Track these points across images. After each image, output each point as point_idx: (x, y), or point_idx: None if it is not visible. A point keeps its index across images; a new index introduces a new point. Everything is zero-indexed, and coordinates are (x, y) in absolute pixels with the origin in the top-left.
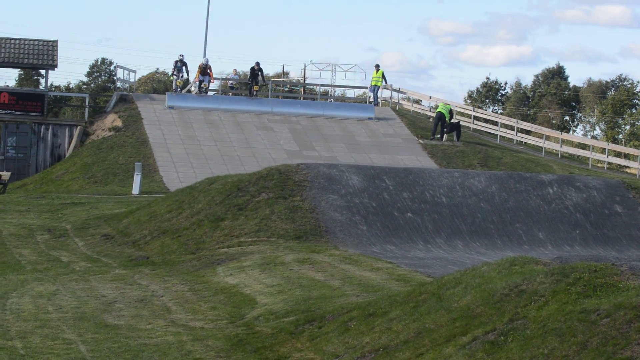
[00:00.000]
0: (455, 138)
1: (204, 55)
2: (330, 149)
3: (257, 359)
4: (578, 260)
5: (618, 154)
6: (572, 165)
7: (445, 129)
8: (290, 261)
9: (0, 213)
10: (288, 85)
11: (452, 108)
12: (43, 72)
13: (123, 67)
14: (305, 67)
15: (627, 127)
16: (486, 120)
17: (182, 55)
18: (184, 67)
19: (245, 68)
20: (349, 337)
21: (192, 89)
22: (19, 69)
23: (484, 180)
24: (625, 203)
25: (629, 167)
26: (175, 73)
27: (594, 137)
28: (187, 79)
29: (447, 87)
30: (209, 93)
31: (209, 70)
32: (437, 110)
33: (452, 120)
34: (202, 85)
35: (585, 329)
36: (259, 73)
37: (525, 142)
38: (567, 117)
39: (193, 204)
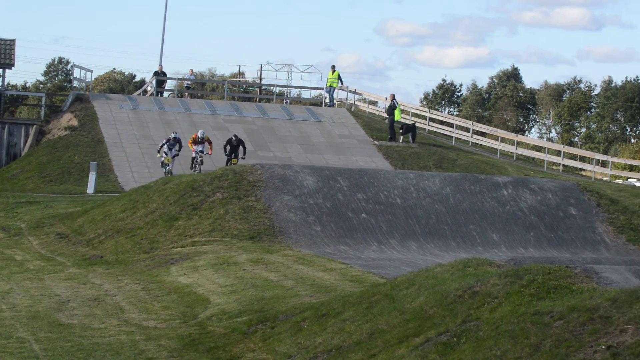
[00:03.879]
0: (410, 139)
1: (160, 60)
2: (285, 150)
3: (209, 359)
4: (532, 262)
5: (573, 157)
6: (527, 168)
7: (401, 130)
8: (243, 261)
9: None
10: (244, 86)
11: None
12: (0, 71)
13: (80, 66)
14: (261, 67)
15: (583, 130)
16: (442, 122)
17: (176, 133)
18: (177, 144)
19: (202, 68)
20: (302, 338)
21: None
22: None
23: (438, 182)
24: (580, 206)
25: (584, 170)
26: (166, 151)
27: (549, 139)
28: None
29: (403, 88)
30: (165, 95)
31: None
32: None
33: (407, 122)
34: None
35: (539, 331)
36: (240, 145)
37: (480, 144)
38: (522, 119)
39: (147, 204)
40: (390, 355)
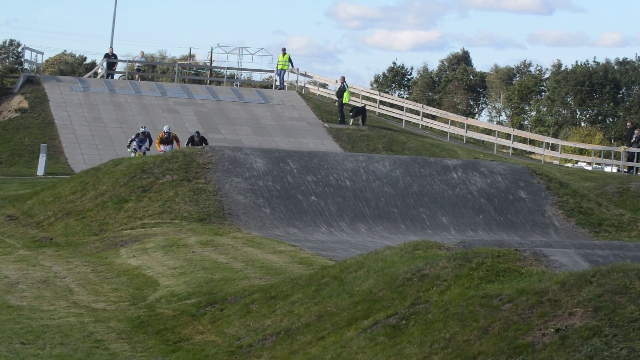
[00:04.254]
0: (360, 122)
1: (111, 42)
2: (235, 132)
3: (158, 341)
4: (481, 245)
5: (523, 140)
6: (477, 151)
7: (351, 113)
8: (193, 243)
9: None
10: (195, 69)
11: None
12: None
13: (30, 48)
14: (212, 50)
15: (533, 114)
16: (392, 105)
17: (145, 127)
18: (147, 139)
19: (153, 50)
20: (251, 320)
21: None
22: None
23: (388, 165)
24: (530, 189)
25: (534, 153)
26: (136, 147)
27: (499, 122)
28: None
29: (353, 71)
30: (116, 77)
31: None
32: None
33: (358, 105)
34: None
35: (487, 314)
36: (203, 142)
37: (430, 127)
38: (472, 103)
39: (97, 186)
40: (339, 338)
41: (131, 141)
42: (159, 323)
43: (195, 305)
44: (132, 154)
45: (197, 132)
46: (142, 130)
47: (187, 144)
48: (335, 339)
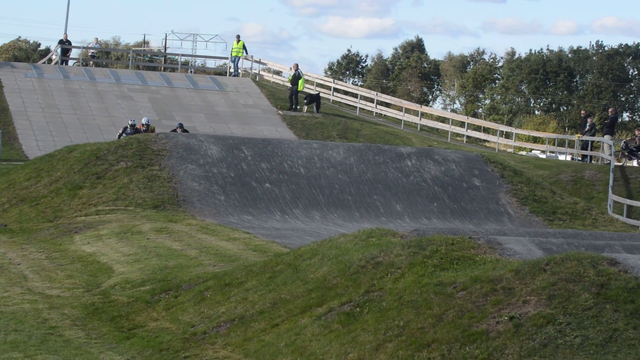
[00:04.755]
0: (314, 109)
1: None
2: (189, 119)
3: (112, 328)
4: (435, 233)
5: (477, 128)
6: (431, 139)
7: (305, 100)
8: (147, 230)
9: None
10: (149, 55)
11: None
12: None
13: None
14: (166, 36)
15: (487, 101)
16: (346, 93)
17: (133, 120)
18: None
19: (107, 37)
20: (205, 307)
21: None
22: None
23: (342, 152)
24: (484, 177)
25: (488, 141)
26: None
27: (453, 110)
28: None
29: (308, 58)
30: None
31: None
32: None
33: (312, 92)
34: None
35: (441, 301)
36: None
37: (384, 115)
38: (426, 90)
39: (52, 172)
40: (293, 325)
41: (119, 136)
42: (113, 310)
43: (150, 292)
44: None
45: (181, 125)
46: (130, 122)
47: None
48: (290, 326)
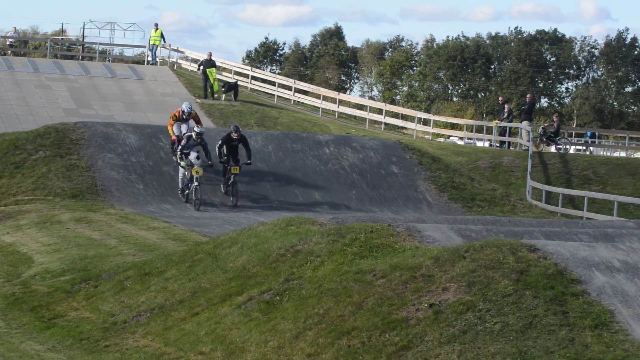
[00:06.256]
0: (232, 98)
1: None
2: (107, 108)
3: (33, 318)
4: (354, 220)
5: (395, 115)
6: (349, 126)
7: (223, 89)
8: (66, 220)
9: None
10: (67, 44)
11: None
12: None
13: None
14: (84, 25)
15: (405, 89)
16: (264, 80)
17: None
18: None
19: (25, 26)
20: (125, 296)
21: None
22: None
23: (260, 140)
24: (402, 164)
25: (406, 129)
26: (193, 160)
27: (371, 97)
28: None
29: (225, 46)
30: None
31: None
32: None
33: (230, 80)
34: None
35: (361, 289)
36: (241, 142)
37: (302, 102)
38: (344, 78)
39: None
40: (214, 314)
41: (180, 149)
42: (34, 300)
43: (70, 282)
44: (184, 171)
45: (236, 128)
46: (197, 130)
47: (221, 148)
48: (210, 315)
